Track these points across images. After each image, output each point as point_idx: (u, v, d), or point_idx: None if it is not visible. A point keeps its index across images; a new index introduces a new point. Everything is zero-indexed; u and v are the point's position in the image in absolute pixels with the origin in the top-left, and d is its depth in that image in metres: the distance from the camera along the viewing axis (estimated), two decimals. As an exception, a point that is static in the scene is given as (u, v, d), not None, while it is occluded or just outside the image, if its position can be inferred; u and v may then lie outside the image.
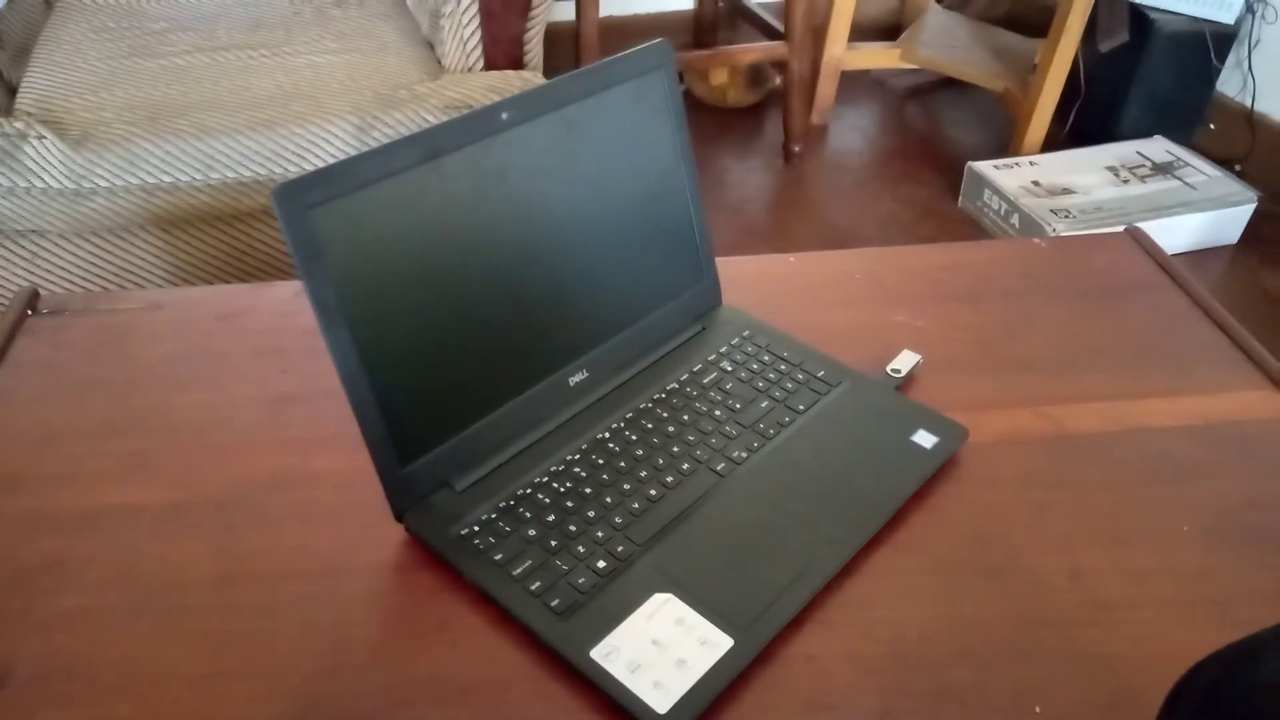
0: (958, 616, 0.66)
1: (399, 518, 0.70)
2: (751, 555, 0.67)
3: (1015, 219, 1.98)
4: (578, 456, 0.74)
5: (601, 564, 0.66)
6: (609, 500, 0.71)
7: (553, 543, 0.68)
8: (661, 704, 0.58)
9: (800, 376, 0.83)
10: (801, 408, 0.79)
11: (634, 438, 0.76)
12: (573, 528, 0.69)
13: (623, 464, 0.74)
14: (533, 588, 0.65)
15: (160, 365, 0.87)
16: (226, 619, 0.65)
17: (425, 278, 0.68)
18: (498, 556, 0.67)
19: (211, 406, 0.82)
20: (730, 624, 0.63)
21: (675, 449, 0.75)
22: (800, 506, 0.71)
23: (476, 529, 0.69)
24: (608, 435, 0.76)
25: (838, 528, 0.69)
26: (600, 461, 0.74)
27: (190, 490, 0.75)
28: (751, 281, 0.95)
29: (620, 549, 0.67)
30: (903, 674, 0.62)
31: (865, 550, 0.69)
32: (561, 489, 0.72)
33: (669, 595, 0.65)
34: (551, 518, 0.70)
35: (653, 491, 0.72)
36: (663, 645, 0.62)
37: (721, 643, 0.62)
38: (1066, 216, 1.88)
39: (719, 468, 0.74)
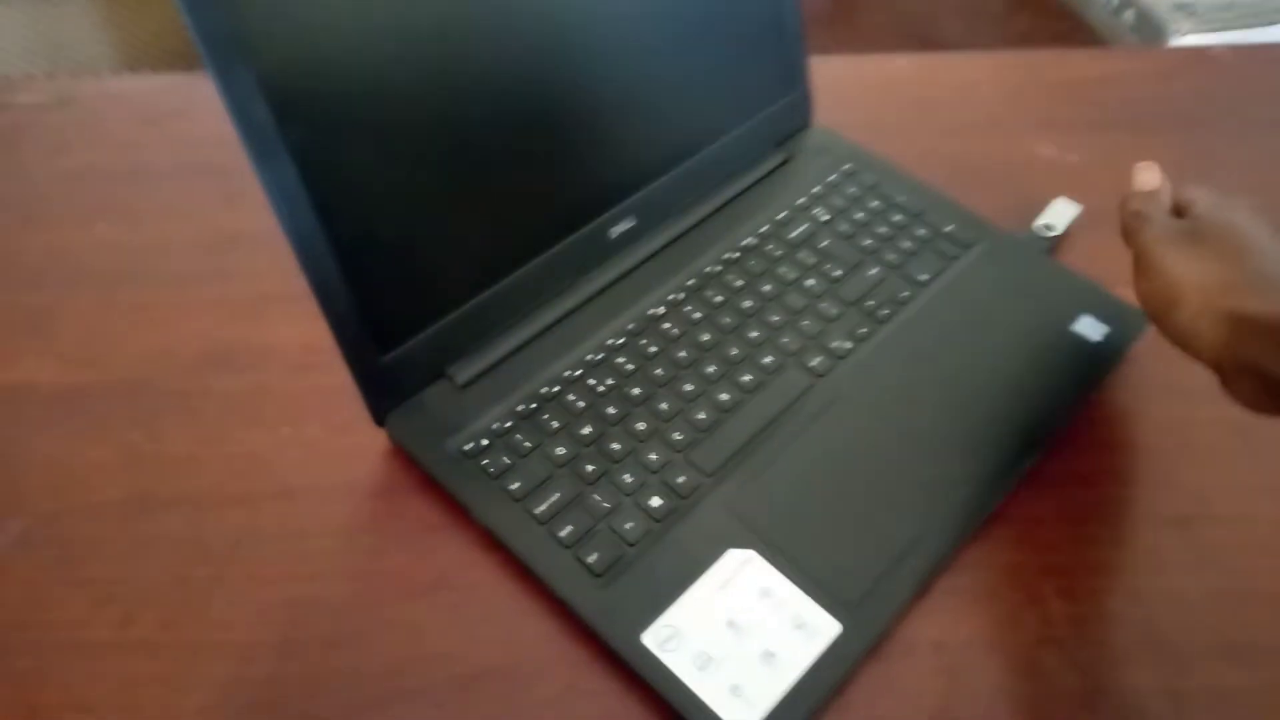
0: (1139, 587, 0.48)
1: (379, 421, 0.51)
2: (864, 494, 0.49)
3: (1129, 15, 1.67)
4: (622, 342, 0.55)
5: (656, 502, 0.48)
6: (665, 407, 0.52)
7: (588, 467, 0.49)
8: (743, 721, 0.42)
9: (922, 233, 0.61)
10: (924, 278, 0.59)
11: (698, 316, 0.56)
12: (616, 446, 0.50)
13: (683, 354, 0.54)
14: (561, 534, 0.47)
15: (62, 186, 0.65)
16: (139, 562, 0.48)
17: (405, 82, 0.45)
18: (513, 485, 0.48)
19: (129, 248, 0.62)
20: (837, 598, 0.45)
21: (754, 334, 0.55)
22: (927, 423, 0.52)
23: (484, 444, 0.50)
24: (662, 311, 0.56)
25: (978, 456, 0.50)
26: (653, 350, 0.54)
27: (96, 368, 0.55)
28: (846, 92, 0.71)
29: (681, 480, 0.49)
30: (1051, 673, 0.45)
31: (1013, 489, 0.51)
32: (600, 388, 0.52)
33: (749, 553, 0.47)
34: (587, 429, 0.51)
35: (724, 396, 0.52)
36: (742, 630, 0.44)
37: (826, 627, 0.44)
38: (1192, 14, 1.57)
39: (814, 363, 0.54)
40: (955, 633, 0.46)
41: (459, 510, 0.49)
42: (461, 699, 0.44)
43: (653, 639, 0.44)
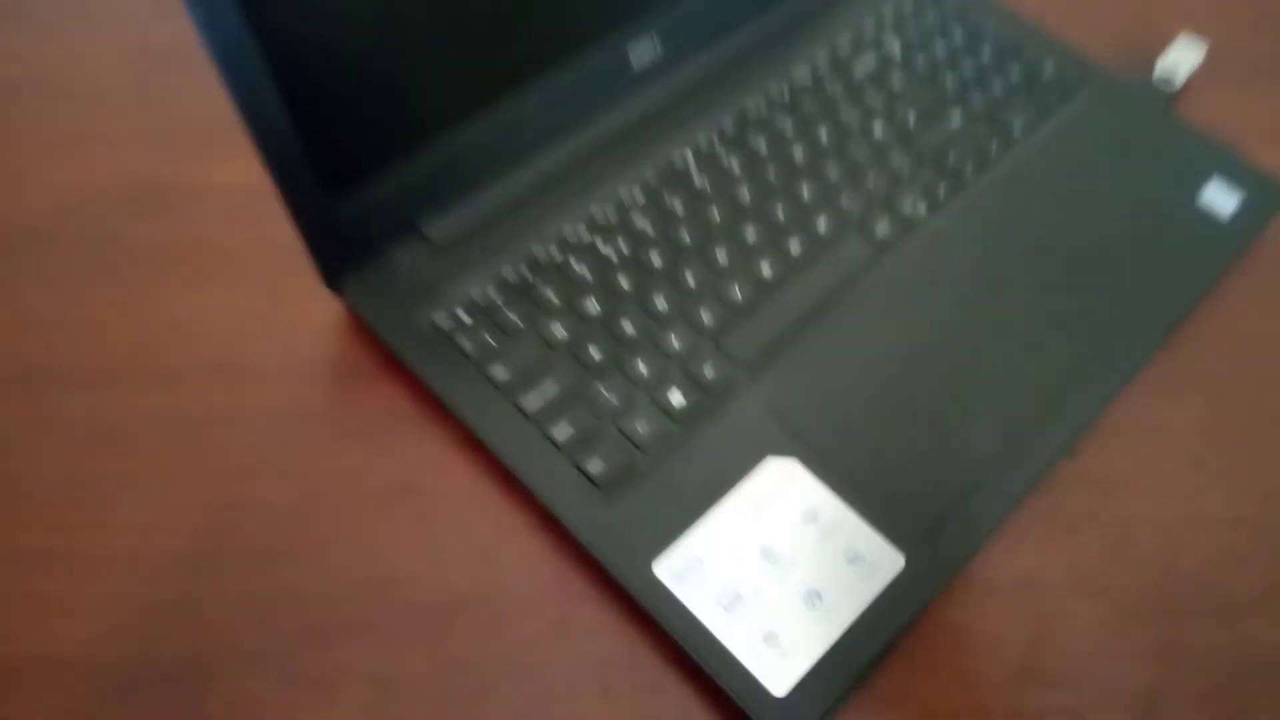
0: (1273, 522, 0.38)
1: (333, 285, 0.40)
2: (937, 397, 0.39)
3: None
4: (641, 199, 0.44)
5: (677, 398, 0.38)
6: (691, 280, 0.41)
7: (593, 353, 0.39)
8: (778, 681, 0.33)
9: (1015, 75, 0.49)
10: (1016, 130, 0.47)
11: (735, 168, 0.45)
12: (629, 328, 0.40)
13: (716, 214, 0.43)
14: (556, 434, 0.37)
15: (-46, -16, 0.53)
16: (28, 452, 0.38)
17: None
18: (499, 372, 0.38)
19: (31, 62, 0.50)
20: (901, 524, 0.36)
21: (806, 193, 0.44)
22: (1016, 311, 0.41)
23: (464, 318, 0.40)
24: (691, 160, 0.45)
25: (1077, 354, 0.40)
26: (679, 210, 0.43)
27: (-13, 209, 0.45)
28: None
29: (709, 372, 0.39)
30: (1183, 623, 0.36)
31: (1120, 395, 0.41)
32: (611, 254, 0.42)
33: (793, 464, 0.37)
34: (593, 306, 0.40)
35: (767, 269, 0.42)
36: (781, 561, 0.35)
37: (886, 561, 0.35)
38: None
39: (878, 231, 0.43)
40: (1046, 570, 0.37)
41: (430, 400, 0.39)
42: (426, 633, 0.35)
43: (667, 570, 0.35)
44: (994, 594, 0.36)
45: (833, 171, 0.45)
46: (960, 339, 0.40)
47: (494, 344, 0.39)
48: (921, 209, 0.44)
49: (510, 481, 0.37)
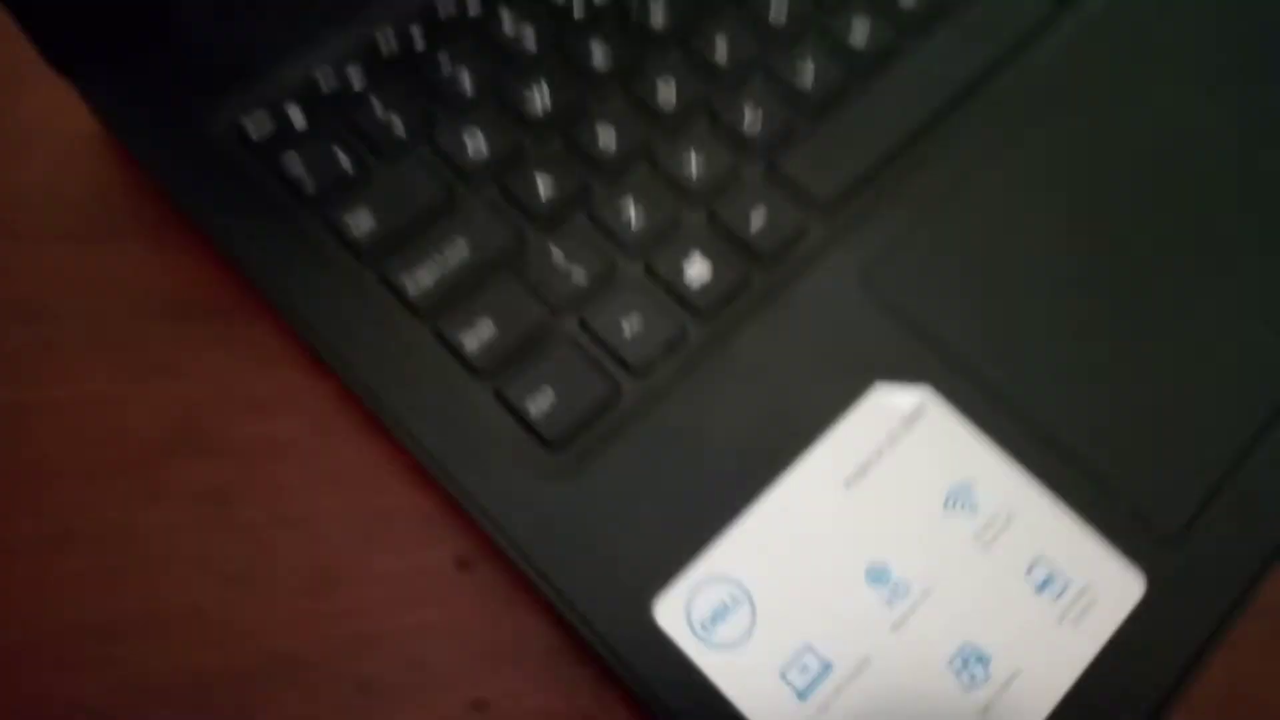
0: None
1: (61, 67, 0.21)
2: (1184, 294, 0.21)
3: None
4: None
5: (697, 270, 0.20)
6: (724, 49, 0.22)
7: (541, 185, 0.21)
8: None
9: None
10: None
11: None
12: (606, 136, 0.21)
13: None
14: (468, 343, 0.19)
15: None
16: None
17: None
18: (358, 221, 0.20)
19: None
20: (1130, 520, 0.18)
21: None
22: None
23: (296, 120, 0.21)
24: None
25: None
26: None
27: None
28: None
29: (756, 220, 0.20)
30: None
31: None
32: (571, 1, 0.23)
33: (925, 394, 0.19)
34: (538, 97, 0.22)
35: (860, 31, 0.23)
36: (904, 590, 0.18)
37: (1109, 584, 0.18)
38: None
39: (1056, -33, 0.24)
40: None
41: (234, 279, 0.21)
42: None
43: (679, 612, 0.17)
44: (1265, 616, 0.19)
45: None
46: (1219, 189, 0.22)
47: (349, 169, 0.21)
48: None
49: (378, 429, 0.20)
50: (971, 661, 0.17)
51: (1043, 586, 0.18)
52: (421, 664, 0.18)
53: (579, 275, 0.20)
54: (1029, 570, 0.18)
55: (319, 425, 0.20)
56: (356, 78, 0.22)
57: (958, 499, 0.18)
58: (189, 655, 0.19)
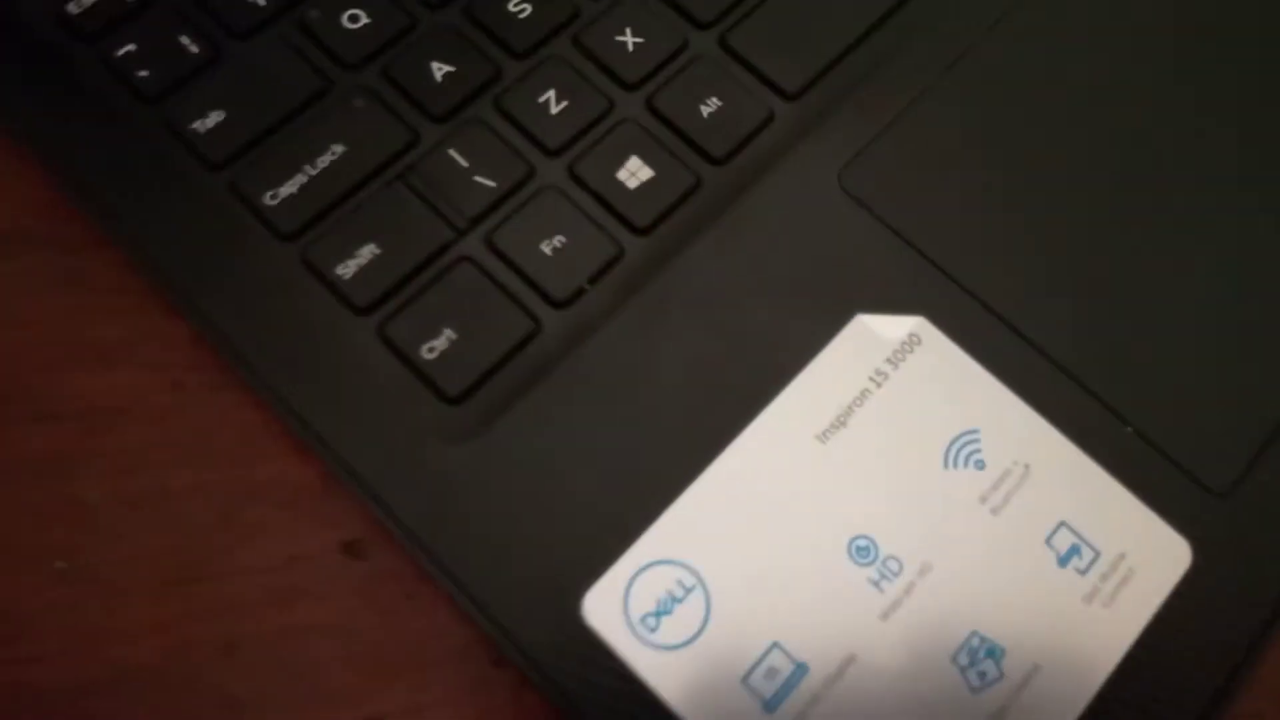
0: None
1: None
2: (1230, 207, 0.17)
3: None
4: None
5: (634, 166, 0.16)
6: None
7: (436, 64, 0.16)
8: None
9: None
10: None
11: None
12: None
13: None
14: (342, 271, 0.15)
15: None
16: None
17: None
18: (209, 120, 0.16)
19: None
20: (1177, 474, 0.15)
21: None
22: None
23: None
24: None
25: None
26: None
27: None
28: None
29: (712, 100, 0.16)
30: None
31: None
32: None
33: (920, 325, 0.15)
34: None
35: None
36: (896, 567, 0.14)
37: (1150, 552, 0.14)
38: None
39: None
40: None
41: (70, 198, 0.17)
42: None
43: (613, 609, 0.14)
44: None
45: None
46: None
47: (196, 51, 0.16)
48: None
49: (252, 392, 0.16)
50: (981, 656, 0.14)
51: (1067, 558, 0.14)
52: (301, 674, 0.15)
53: (485, 183, 0.16)
54: (1049, 538, 0.14)
55: (173, 380, 0.17)
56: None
57: (961, 452, 0.15)
58: (12, 669, 0.15)
